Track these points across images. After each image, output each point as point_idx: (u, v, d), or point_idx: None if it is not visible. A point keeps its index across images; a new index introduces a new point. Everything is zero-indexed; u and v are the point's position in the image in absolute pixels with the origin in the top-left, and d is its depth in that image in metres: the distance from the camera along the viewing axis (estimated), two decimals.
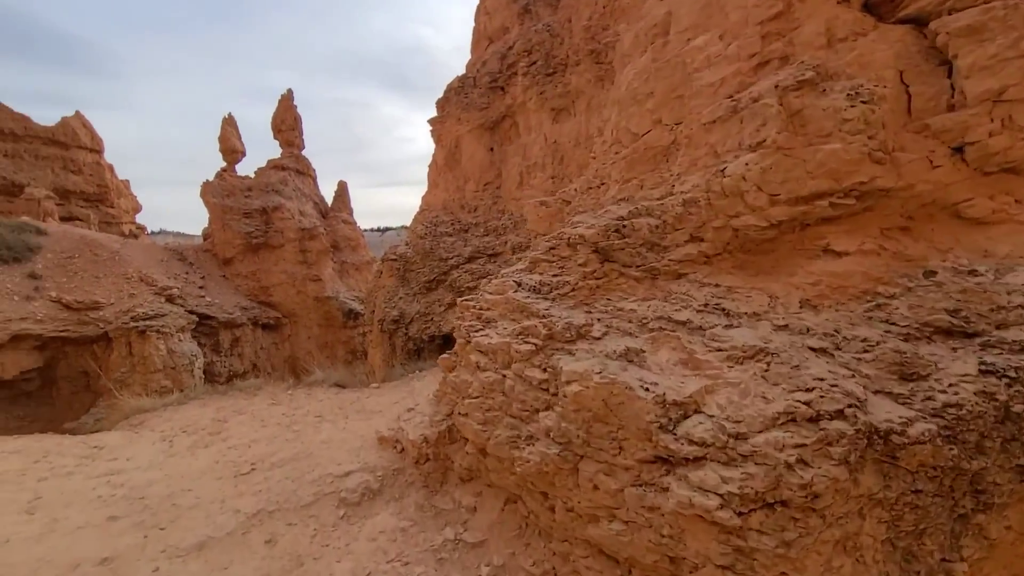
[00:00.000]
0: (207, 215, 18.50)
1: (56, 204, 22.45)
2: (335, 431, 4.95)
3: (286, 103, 18.57)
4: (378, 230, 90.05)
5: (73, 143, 26.46)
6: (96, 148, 27.82)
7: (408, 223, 11.87)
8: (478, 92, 10.31)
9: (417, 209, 11.94)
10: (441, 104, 11.01)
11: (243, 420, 5.61)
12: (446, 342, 9.18)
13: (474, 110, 10.35)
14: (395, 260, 10.16)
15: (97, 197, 27.19)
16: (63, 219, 22.29)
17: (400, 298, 9.96)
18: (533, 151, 9.44)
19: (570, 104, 8.84)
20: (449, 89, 11.00)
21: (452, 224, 10.40)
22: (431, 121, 11.42)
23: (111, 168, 28.77)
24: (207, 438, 5.10)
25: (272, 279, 16.23)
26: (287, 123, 18.45)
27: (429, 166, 11.68)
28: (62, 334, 12.01)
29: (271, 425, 5.31)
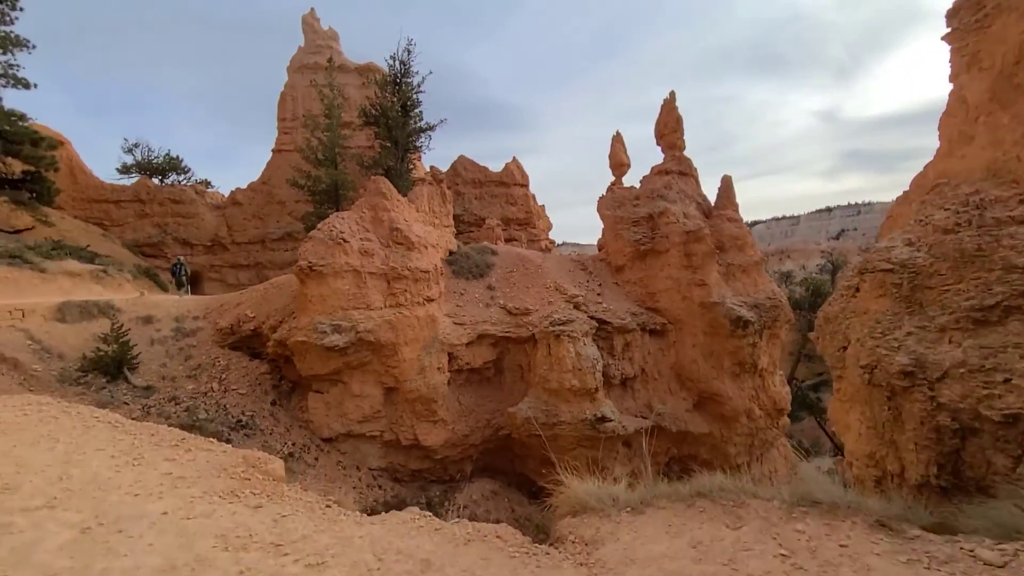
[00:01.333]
0: (599, 227, 20.37)
1: (502, 229, 29.33)
2: None
3: (669, 106, 18.55)
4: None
5: (511, 182, 34.18)
6: (525, 183, 35.18)
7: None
8: None
9: (907, 186, 7.75)
10: (973, 4, 6.79)
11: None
12: None
13: None
14: (891, 271, 6.18)
15: (525, 221, 34.34)
16: (506, 240, 28.98)
17: (909, 335, 5.82)
18: None
19: None
20: None
21: (1021, 200, 5.72)
22: (950, 37, 7.11)
23: (533, 197, 35.88)
24: None
25: (658, 285, 16.39)
26: (669, 126, 18.41)
27: (943, 117, 7.37)
28: (506, 334, 15.34)
29: None
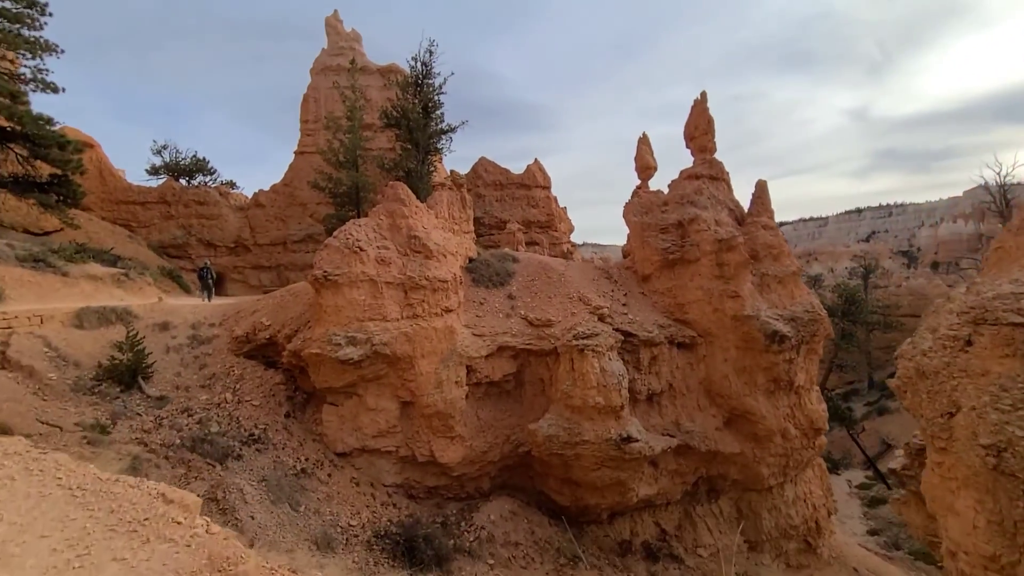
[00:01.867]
0: (621, 227, 19.58)
1: (523, 232, 28.65)
2: None
3: (700, 107, 17.66)
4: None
5: (533, 184, 33.50)
6: (546, 185, 34.46)
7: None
8: None
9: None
10: None
11: None
12: None
13: None
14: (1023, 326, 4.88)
15: (547, 224, 33.62)
16: (527, 244, 28.30)
17: None
18: None
19: None
20: None
21: None
22: None
23: (555, 199, 35.12)
24: None
25: (687, 296, 15.55)
26: (700, 128, 17.53)
27: None
28: (527, 347, 14.70)
29: None
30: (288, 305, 15.95)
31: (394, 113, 25.24)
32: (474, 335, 14.55)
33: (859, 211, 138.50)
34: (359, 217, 27.37)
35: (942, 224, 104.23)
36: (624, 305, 15.90)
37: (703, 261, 15.34)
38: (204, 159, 35.79)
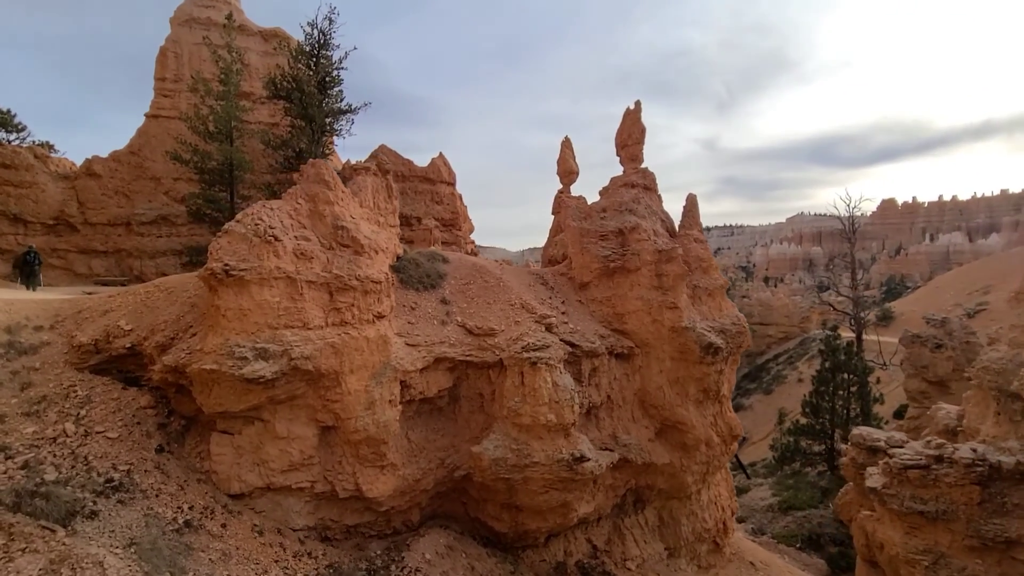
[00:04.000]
0: (503, 230, 18.94)
1: (439, 230, 26.70)
2: None
3: (634, 116, 17.61)
4: None
5: (438, 179, 31.60)
6: (452, 181, 32.77)
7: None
8: None
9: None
10: None
11: None
12: None
13: None
14: None
15: (451, 222, 31.97)
16: (443, 243, 26.42)
17: None
18: None
19: None
20: None
21: None
22: None
23: (460, 197, 33.59)
24: None
25: (627, 305, 15.26)
26: (634, 137, 17.48)
27: None
28: (467, 358, 13.11)
29: None
30: (158, 305, 12.38)
31: (284, 83, 21.88)
32: (408, 345, 12.58)
33: (708, 229, 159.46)
34: (231, 199, 23.32)
35: (772, 245, 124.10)
36: (564, 314, 15.10)
37: (643, 271, 15.16)
38: (8, 111, 27.84)
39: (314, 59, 22.61)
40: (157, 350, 11.26)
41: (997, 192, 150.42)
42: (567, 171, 22.57)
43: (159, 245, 26.92)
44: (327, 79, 22.89)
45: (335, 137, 25.44)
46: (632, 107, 17.97)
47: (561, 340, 13.69)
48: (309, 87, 21.65)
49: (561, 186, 23.14)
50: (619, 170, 17.79)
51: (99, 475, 9.42)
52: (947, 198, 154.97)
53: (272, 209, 11.07)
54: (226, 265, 9.97)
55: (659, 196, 17.68)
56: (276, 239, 10.55)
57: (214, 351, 9.96)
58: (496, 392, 13.16)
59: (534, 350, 12.53)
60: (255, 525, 10.55)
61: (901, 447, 10.65)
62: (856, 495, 11.80)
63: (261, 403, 10.53)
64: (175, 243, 26.56)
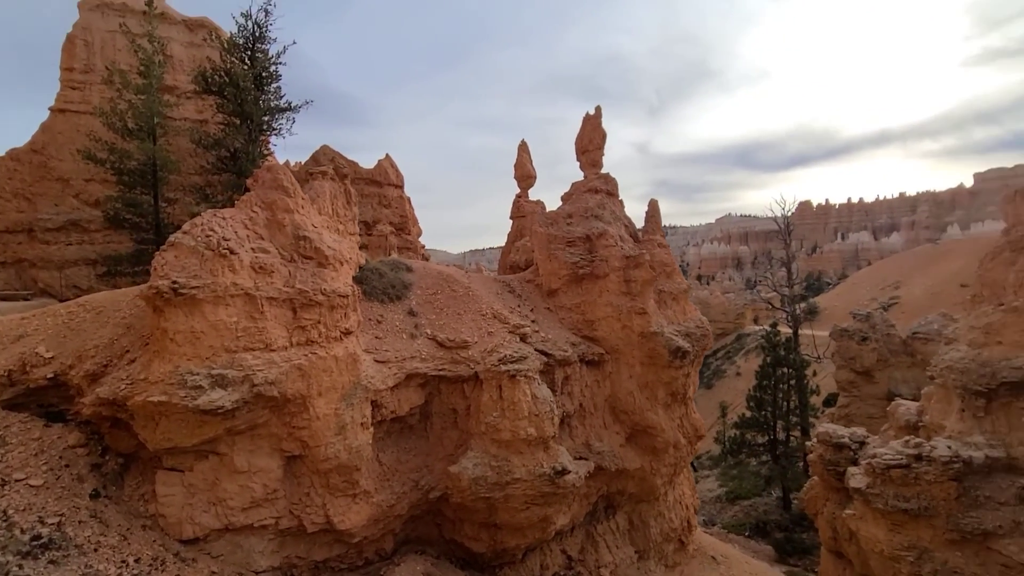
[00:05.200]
0: (443, 233, 18.65)
1: (395, 236, 25.64)
2: None
3: (594, 121, 17.65)
4: None
5: (385, 181, 30.43)
6: (399, 184, 31.68)
7: None
8: None
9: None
10: None
11: None
12: None
13: None
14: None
15: (400, 226, 30.88)
16: (399, 249, 25.39)
17: None
18: None
19: None
20: None
21: None
22: None
23: (408, 200, 32.54)
24: None
25: (597, 312, 15.21)
26: (595, 142, 17.51)
27: None
28: (440, 373, 12.49)
29: None
30: (85, 327, 10.82)
31: (216, 78, 20.25)
32: (377, 362, 11.77)
33: None
34: (156, 202, 21.23)
35: (703, 245, 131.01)
36: (533, 322, 14.80)
37: (612, 277, 15.16)
38: None
39: (248, 53, 21.07)
40: (87, 380, 9.82)
41: (896, 195, 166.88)
42: (525, 175, 22.35)
43: (68, 254, 24.04)
44: (264, 74, 21.39)
45: (273, 136, 23.83)
46: (592, 112, 18.00)
47: (536, 350, 13.37)
48: (245, 82, 20.14)
49: (519, 190, 22.90)
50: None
51: (23, 532, 8.01)
52: (855, 200, 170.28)
53: (224, 219, 9.95)
54: (174, 282, 8.81)
55: (621, 201, 17.81)
56: (231, 252, 9.47)
57: (162, 380, 8.77)
58: (472, 407, 12.63)
59: (512, 362, 12.13)
60: (213, 572, 9.42)
61: (864, 443, 11.23)
62: (822, 489, 12.36)
63: (218, 435, 9.42)
64: (88, 251, 23.78)
